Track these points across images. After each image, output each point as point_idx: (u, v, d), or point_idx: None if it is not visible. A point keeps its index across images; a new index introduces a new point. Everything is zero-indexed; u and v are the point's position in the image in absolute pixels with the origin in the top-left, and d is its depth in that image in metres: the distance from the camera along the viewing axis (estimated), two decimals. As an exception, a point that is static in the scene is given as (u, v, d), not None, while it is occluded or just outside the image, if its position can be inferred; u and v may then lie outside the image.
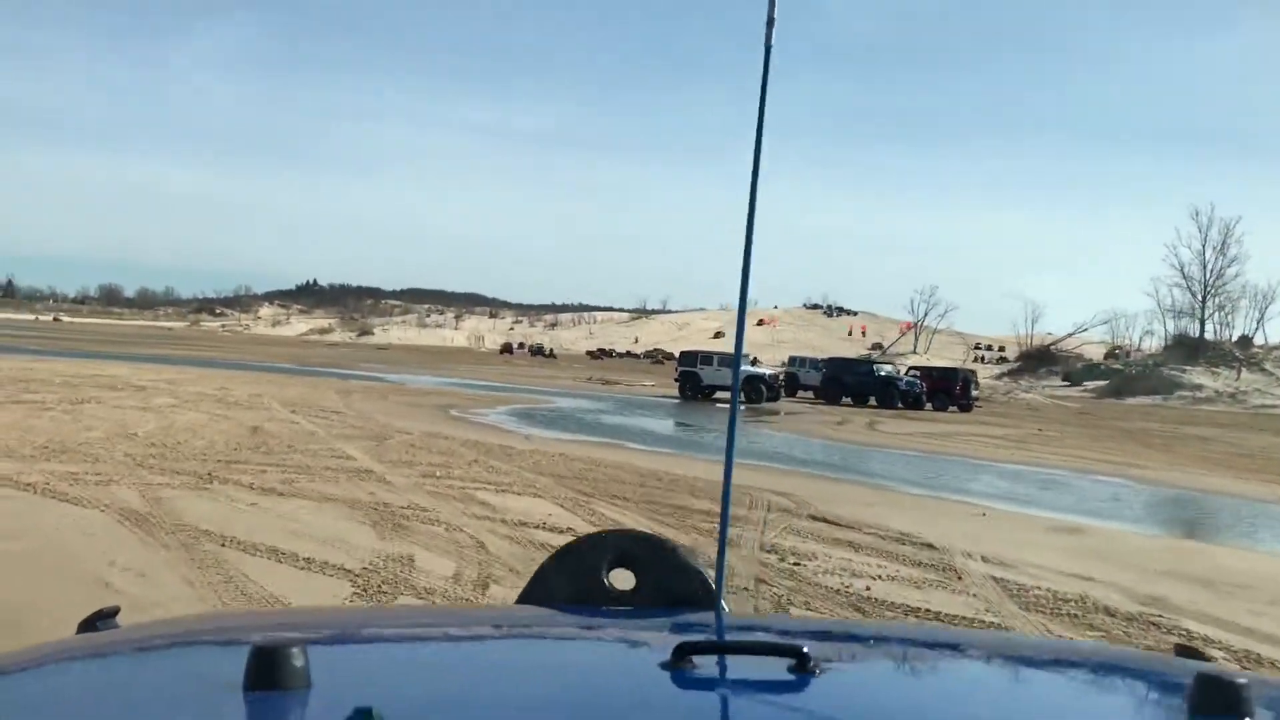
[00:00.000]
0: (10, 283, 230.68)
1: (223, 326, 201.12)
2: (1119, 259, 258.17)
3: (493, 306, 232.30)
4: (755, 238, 1.44)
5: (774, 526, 9.75)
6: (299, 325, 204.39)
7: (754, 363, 45.04)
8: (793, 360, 50.98)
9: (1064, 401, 54.40)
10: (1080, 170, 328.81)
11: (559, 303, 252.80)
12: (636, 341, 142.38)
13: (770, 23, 1.40)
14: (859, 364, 47.88)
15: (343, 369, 45.69)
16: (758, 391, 40.24)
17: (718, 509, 11.93)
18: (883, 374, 43.62)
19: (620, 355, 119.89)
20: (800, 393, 45.05)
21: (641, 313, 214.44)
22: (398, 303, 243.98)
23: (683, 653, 0.98)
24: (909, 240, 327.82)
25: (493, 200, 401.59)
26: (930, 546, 9.28)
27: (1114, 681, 1.21)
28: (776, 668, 0.97)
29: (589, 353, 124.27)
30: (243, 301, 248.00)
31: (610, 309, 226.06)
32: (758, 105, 1.39)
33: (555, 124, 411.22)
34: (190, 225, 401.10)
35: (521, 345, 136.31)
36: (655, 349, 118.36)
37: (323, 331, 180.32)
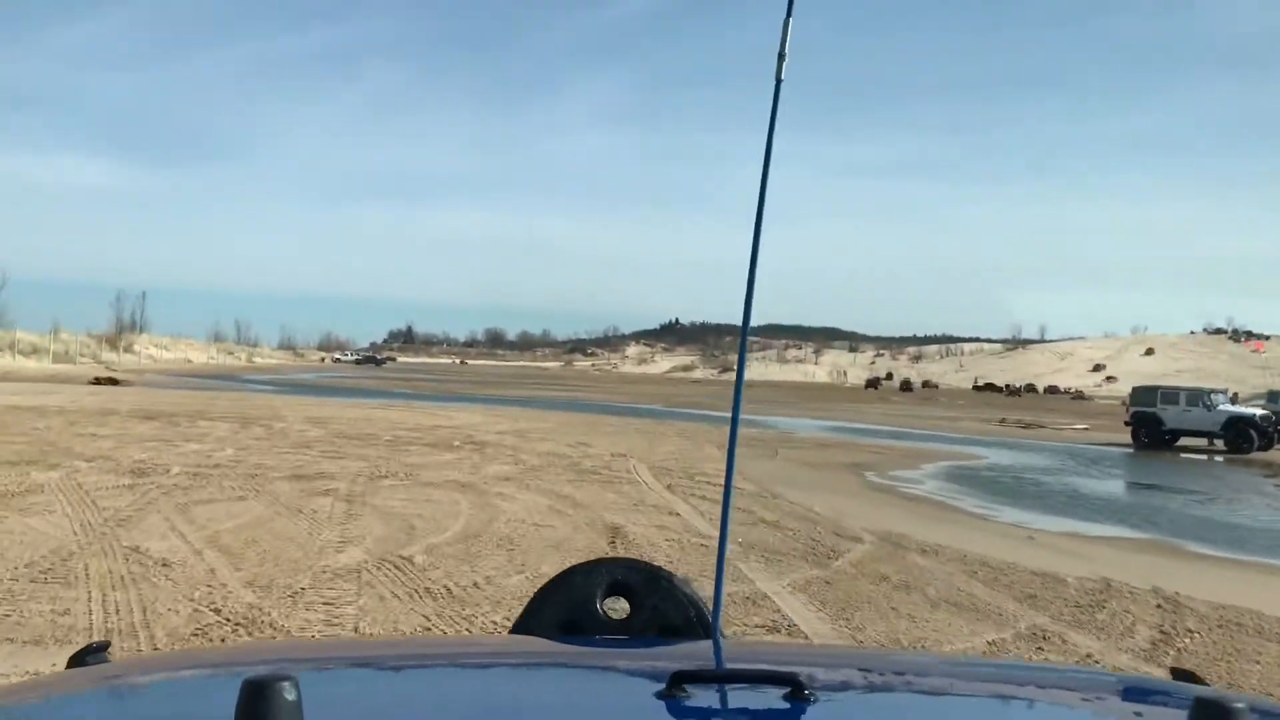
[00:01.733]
0: (410, 329, 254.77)
1: (593, 365, 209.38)
2: None
3: (851, 340, 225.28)
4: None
5: None
6: (663, 363, 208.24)
7: (1233, 400, 34.55)
8: (1274, 396, 39.24)
9: None
10: None
11: (920, 334, 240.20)
12: (976, 377, 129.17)
13: (781, 57, 1.33)
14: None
15: (713, 410, 40.36)
16: (1244, 438, 30.22)
17: None
18: None
19: (1007, 390, 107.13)
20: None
21: (1016, 342, 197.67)
22: (756, 338, 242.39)
23: (677, 681, 0.96)
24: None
25: (845, 232, 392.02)
26: None
27: (1113, 706, 1.18)
28: (772, 696, 0.95)
29: (975, 387, 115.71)
30: (611, 341, 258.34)
31: (977, 339, 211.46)
32: (766, 136, 1.32)
33: (906, 154, 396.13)
34: (564, 270, 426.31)
35: (889, 377, 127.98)
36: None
37: (685, 369, 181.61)
